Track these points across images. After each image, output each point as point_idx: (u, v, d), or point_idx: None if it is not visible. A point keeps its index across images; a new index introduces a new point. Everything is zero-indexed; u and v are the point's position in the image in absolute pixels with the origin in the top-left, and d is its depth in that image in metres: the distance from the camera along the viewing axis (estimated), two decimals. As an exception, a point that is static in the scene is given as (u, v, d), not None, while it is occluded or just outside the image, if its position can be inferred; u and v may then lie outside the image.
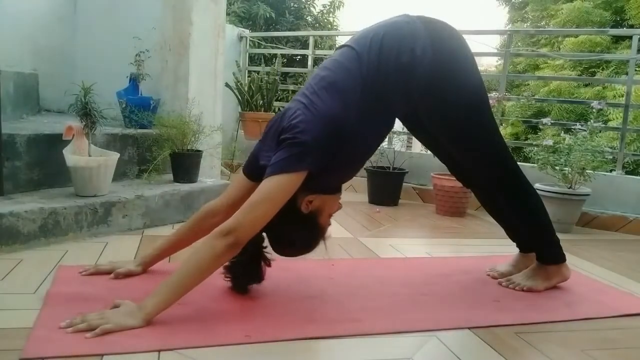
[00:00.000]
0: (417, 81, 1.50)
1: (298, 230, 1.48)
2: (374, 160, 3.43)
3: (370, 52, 1.48)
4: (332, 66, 1.50)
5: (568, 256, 1.81)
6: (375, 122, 1.49)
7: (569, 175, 2.81)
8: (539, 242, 1.81)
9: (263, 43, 4.91)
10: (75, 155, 2.08)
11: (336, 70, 1.48)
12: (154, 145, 2.55)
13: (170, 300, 1.29)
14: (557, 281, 1.78)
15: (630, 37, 3.24)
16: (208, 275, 1.33)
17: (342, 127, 1.40)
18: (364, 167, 3.41)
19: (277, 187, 1.34)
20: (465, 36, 1.63)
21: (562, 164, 2.83)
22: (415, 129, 1.83)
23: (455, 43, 1.58)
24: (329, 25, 6.59)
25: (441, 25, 1.59)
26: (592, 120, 2.95)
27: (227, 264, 1.46)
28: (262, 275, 1.54)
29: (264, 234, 1.50)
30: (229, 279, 1.52)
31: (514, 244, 1.93)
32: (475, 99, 1.62)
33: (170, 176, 2.58)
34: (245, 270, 1.51)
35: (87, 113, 2.06)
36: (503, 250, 2.16)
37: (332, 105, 1.40)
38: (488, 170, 1.73)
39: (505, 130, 7.17)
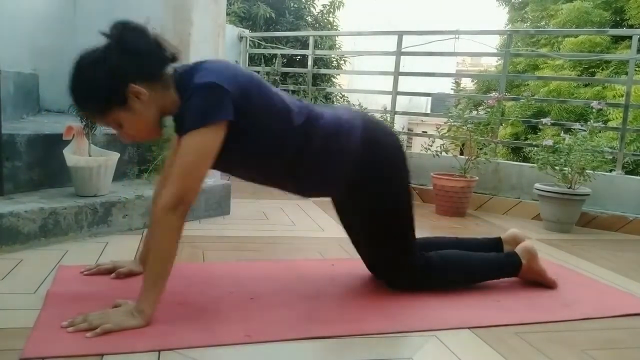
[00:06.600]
0: None
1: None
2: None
3: None
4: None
5: (568, 256, 1.80)
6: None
7: (569, 175, 2.81)
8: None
9: (263, 43, 4.91)
10: (76, 155, 2.08)
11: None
12: (154, 145, 2.54)
13: (161, 292, 1.28)
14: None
15: (630, 37, 3.25)
16: (178, 246, 1.31)
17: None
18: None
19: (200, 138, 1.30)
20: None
21: (562, 164, 2.83)
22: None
23: None
24: (329, 25, 6.58)
25: None
26: (592, 120, 2.95)
27: None
28: None
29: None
30: None
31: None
32: None
33: (171, 176, 2.57)
34: None
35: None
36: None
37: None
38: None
39: (505, 130, 7.17)
